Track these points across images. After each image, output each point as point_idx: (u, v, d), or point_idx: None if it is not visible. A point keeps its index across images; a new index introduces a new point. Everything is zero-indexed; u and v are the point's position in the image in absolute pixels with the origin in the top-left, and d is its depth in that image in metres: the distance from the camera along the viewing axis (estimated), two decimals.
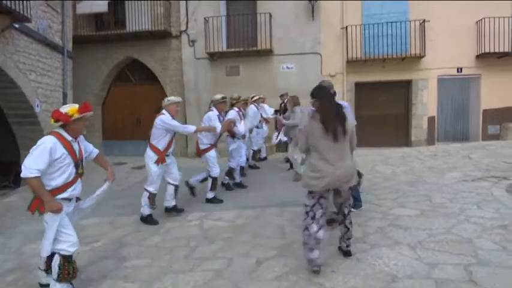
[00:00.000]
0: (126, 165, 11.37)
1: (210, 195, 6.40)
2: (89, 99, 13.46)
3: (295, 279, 3.39)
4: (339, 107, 3.46)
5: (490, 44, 11.14)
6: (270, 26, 11.89)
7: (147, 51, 13.06)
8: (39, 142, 3.18)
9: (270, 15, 11.88)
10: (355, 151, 3.75)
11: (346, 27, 11.78)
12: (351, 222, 3.67)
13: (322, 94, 3.54)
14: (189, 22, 12.52)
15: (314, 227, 3.37)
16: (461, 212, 4.85)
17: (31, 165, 3.10)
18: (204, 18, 12.04)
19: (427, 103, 11.94)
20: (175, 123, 5.42)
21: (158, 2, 12.51)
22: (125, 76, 13.93)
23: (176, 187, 5.64)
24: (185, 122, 12.80)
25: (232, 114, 6.92)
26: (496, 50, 11.13)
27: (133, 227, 5.31)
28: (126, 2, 12.70)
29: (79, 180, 3.46)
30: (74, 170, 3.33)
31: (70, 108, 3.24)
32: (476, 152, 9.56)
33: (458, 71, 11.76)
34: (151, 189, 5.37)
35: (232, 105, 7.33)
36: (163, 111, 5.43)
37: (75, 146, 3.35)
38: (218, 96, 6.54)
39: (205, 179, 6.46)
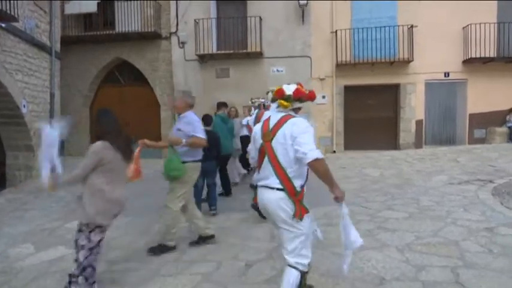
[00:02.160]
0: None
1: None
2: (77, 100, 13.35)
3: None
4: None
5: (476, 49, 11.36)
6: (260, 29, 11.93)
7: (136, 53, 12.98)
8: (305, 124, 2.61)
9: (260, 19, 11.92)
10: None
11: (336, 31, 11.89)
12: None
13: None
14: (179, 24, 12.50)
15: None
16: (448, 215, 4.91)
17: (314, 146, 2.52)
18: (195, 20, 12.03)
19: (415, 107, 12.11)
20: None
21: (148, 3, 12.46)
22: (113, 77, 13.83)
23: None
24: (174, 124, 12.76)
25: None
26: (482, 55, 11.35)
27: (123, 230, 5.25)
28: (116, 2, 12.62)
29: None
30: None
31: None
32: (463, 155, 9.71)
33: (445, 76, 11.97)
34: None
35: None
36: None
37: None
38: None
39: None
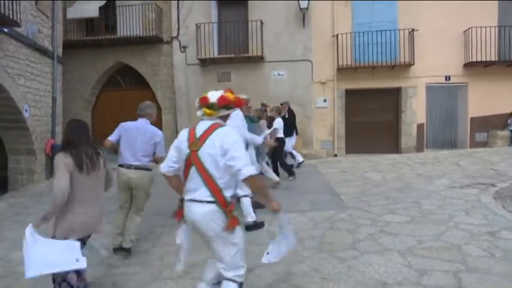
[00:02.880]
0: (115, 172, 11.23)
1: None
2: (79, 104, 13.39)
3: (286, 286, 3.38)
4: None
5: (477, 53, 11.36)
6: (261, 33, 11.97)
7: (138, 57, 13.03)
8: (235, 135, 2.58)
9: (261, 23, 11.96)
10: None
11: (337, 35, 11.92)
12: None
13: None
14: (181, 28, 12.54)
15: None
16: (450, 219, 4.90)
17: (248, 159, 2.51)
18: (196, 25, 12.07)
19: (416, 110, 12.10)
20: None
21: (150, 7, 12.52)
22: (115, 81, 13.87)
23: None
24: (176, 128, 12.80)
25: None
26: (483, 59, 11.36)
27: None
28: (117, 7, 12.69)
29: None
30: None
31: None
32: (465, 159, 9.69)
33: (446, 79, 11.97)
34: None
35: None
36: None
37: None
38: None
39: None
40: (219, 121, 2.63)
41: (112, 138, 4.52)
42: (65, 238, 2.79)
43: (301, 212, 5.68)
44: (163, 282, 3.64)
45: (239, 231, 2.59)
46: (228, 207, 2.48)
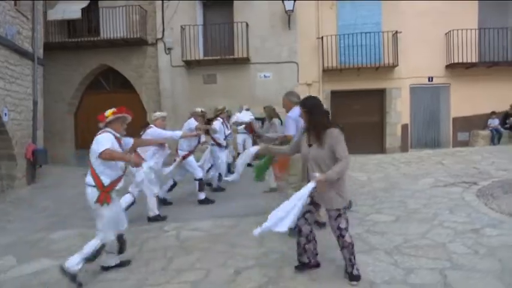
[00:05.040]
0: None
1: (202, 196, 6.72)
2: (61, 107, 13.14)
3: None
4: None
5: (458, 55, 11.59)
6: (246, 34, 11.96)
7: (122, 59, 12.87)
8: (99, 137, 3.72)
9: (247, 25, 11.96)
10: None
11: (322, 37, 12.00)
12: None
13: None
14: (166, 30, 12.44)
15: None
16: (434, 217, 4.95)
17: (101, 147, 3.60)
18: (181, 26, 11.99)
19: (400, 111, 12.27)
20: (164, 132, 6.07)
21: (133, 9, 12.39)
22: (98, 84, 13.67)
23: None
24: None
25: (217, 124, 7.37)
26: (464, 61, 11.59)
27: None
28: (100, 8, 12.51)
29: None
30: (123, 163, 3.88)
31: (108, 112, 3.85)
32: (448, 158, 9.84)
33: (429, 80, 12.18)
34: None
35: (216, 116, 7.71)
36: (151, 125, 6.05)
37: (122, 142, 3.94)
38: (198, 109, 6.95)
39: (173, 186, 6.88)
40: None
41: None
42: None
43: None
44: None
45: (110, 207, 3.76)
46: (104, 188, 3.70)
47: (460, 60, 11.61)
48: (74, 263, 3.63)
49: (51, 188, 9.57)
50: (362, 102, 12.56)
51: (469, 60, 11.61)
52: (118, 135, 3.87)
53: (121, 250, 4.08)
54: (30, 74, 9.96)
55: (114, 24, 12.31)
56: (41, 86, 10.55)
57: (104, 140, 3.64)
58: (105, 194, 3.70)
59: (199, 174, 6.69)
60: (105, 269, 4.02)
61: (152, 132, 5.88)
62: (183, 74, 12.48)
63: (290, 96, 4.89)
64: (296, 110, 4.51)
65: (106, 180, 3.70)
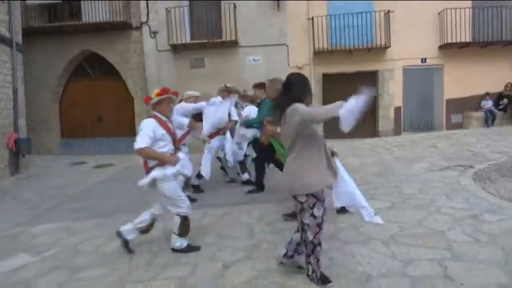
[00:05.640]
0: (87, 165, 10.76)
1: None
2: (44, 95, 12.70)
3: (265, 284, 3.15)
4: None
5: (452, 35, 11.33)
6: (234, 16, 11.54)
7: (106, 44, 12.38)
8: (142, 124, 3.68)
9: (235, 6, 11.53)
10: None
11: (312, 18, 11.63)
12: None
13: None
14: (150, 13, 11.96)
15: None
16: (431, 203, 4.78)
17: (140, 142, 3.54)
18: (166, 9, 11.53)
19: (393, 94, 12.05)
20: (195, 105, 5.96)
21: None
22: (83, 70, 13.18)
23: None
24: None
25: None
26: (458, 40, 11.34)
27: (91, 232, 4.91)
28: None
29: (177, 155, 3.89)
30: (172, 147, 3.81)
31: (154, 93, 3.83)
32: (442, 141, 9.71)
33: (422, 62, 11.93)
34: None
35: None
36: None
37: (170, 125, 3.86)
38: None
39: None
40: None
41: None
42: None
43: (279, 200, 5.45)
44: (132, 285, 3.35)
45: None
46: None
47: (454, 41, 11.35)
48: (174, 240, 3.94)
49: (35, 178, 9.26)
50: (354, 85, 12.08)
51: (462, 40, 11.36)
52: (164, 118, 3.80)
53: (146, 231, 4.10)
54: (8, 61, 9.48)
55: (96, 8, 11.79)
56: (21, 74, 10.08)
57: (145, 130, 3.59)
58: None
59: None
60: (175, 251, 3.99)
61: (182, 106, 5.69)
62: (169, 59, 12.06)
63: (276, 83, 4.55)
64: None
65: (151, 163, 3.73)
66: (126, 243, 4.02)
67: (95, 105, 12.92)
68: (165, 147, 3.72)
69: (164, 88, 3.87)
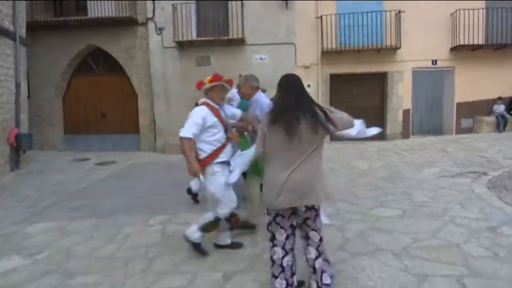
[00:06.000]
0: (89, 161, 10.60)
1: None
2: (48, 90, 12.56)
3: None
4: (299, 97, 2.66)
5: (464, 36, 11.04)
6: (242, 14, 11.32)
7: (111, 39, 12.20)
8: (194, 110, 3.58)
9: (242, 3, 11.30)
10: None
11: (321, 16, 11.39)
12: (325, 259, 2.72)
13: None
14: (156, 9, 11.76)
15: (277, 251, 2.72)
16: (444, 212, 4.54)
17: (184, 131, 3.41)
18: (172, 5, 11.32)
19: (402, 96, 11.78)
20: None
21: None
22: (87, 66, 13.01)
23: None
24: (153, 116, 12.14)
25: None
26: (470, 42, 11.04)
27: (88, 234, 4.71)
28: None
29: (229, 144, 3.69)
30: (224, 135, 3.62)
31: (207, 78, 3.69)
32: (452, 145, 9.44)
33: (433, 64, 11.65)
34: None
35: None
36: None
37: (222, 113, 3.66)
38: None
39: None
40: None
41: None
42: None
43: None
44: None
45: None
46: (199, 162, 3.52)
47: (466, 42, 11.05)
48: (191, 231, 3.69)
49: (36, 174, 9.11)
50: (362, 86, 12.03)
51: (475, 42, 11.05)
52: (216, 106, 3.65)
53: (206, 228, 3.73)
54: (11, 55, 9.33)
55: (102, 3, 11.62)
56: (24, 67, 9.94)
57: (193, 117, 3.47)
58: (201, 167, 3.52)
59: None
60: (217, 246, 3.92)
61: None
62: (174, 56, 11.86)
63: (251, 80, 4.20)
64: (259, 95, 4.17)
65: (203, 154, 3.55)
66: (195, 246, 3.76)
67: (99, 101, 12.76)
68: (216, 134, 3.55)
69: (216, 74, 3.69)
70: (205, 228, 3.67)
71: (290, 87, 2.67)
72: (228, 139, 3.69)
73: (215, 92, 3.64)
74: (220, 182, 3.53)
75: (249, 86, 4.18)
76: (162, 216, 5.16)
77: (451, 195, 5.24)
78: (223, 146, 3.61)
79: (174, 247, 4.09)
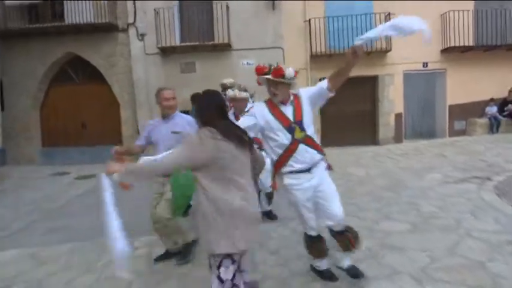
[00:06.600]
0: (69, 176, 9.97)
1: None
2: (24, 101, 11.88)
3: None
4: None
5: (454, 38, 10.86)
6: (227, 17, 10.92)
7: (90, 47, 11.63)
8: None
9: (227, 6, 10.91)
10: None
11: (309, 19, 11.07)
12: None
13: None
14: (137, 14, 11.26)
15: None
16: (458, 224, 4.16)
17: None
18: (154, 10, 10.85)
19: (393, 99, 11.51)
20: None
21: None
22: (66, 75, 12.38)
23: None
24: (136, 125, 11.59)
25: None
26: (461, 44, 10.87)
27: (63, 261, 4.17)
28: None
29: (301, 147, 2.94)
30: (289, 136, 2.92)
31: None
32: (448, 149, 9.17)
33: (424, 66, 11.43)
34: None
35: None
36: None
37: (286, 110, 2.97)
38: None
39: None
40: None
41: None
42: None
43: (284, 222, 4.79)
44: None
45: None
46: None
47: (457, 44, 10.87)
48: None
49: (10, 192, 8.45)
50: (353, 90, 11.66)
51: (465, 44, 10.89)
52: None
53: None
54: None
55: (80, 8, 11.07)
56: None
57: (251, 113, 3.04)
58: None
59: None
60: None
61: None
62: (158, 63, 11.36)
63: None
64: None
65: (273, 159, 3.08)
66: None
67: (79, 111, 12.13)
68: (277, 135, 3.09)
69: (259, 66, 3.12)
70: (310, 252, 3.21)
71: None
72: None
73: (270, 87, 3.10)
74: (298, 193, 3.06)
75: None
76: (148, 238, 4.64)
77: (460, 204, 4.88)
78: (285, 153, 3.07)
79: (161, 275, 3.60)
